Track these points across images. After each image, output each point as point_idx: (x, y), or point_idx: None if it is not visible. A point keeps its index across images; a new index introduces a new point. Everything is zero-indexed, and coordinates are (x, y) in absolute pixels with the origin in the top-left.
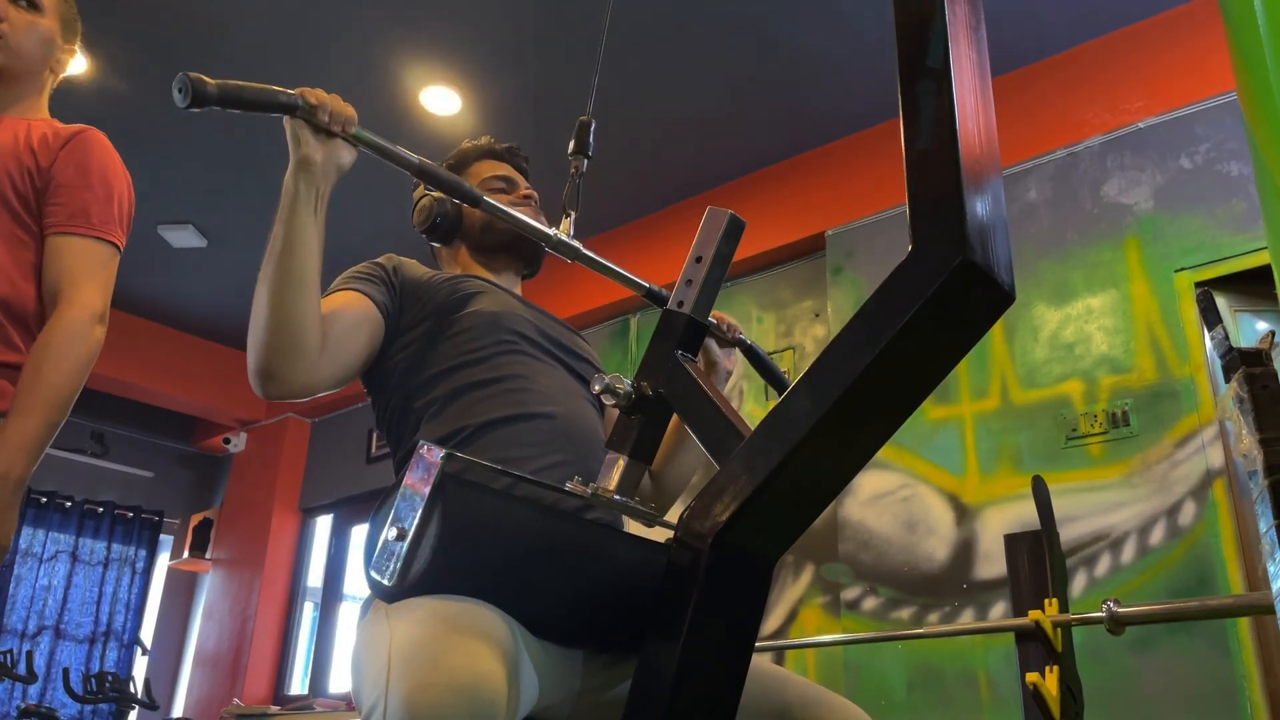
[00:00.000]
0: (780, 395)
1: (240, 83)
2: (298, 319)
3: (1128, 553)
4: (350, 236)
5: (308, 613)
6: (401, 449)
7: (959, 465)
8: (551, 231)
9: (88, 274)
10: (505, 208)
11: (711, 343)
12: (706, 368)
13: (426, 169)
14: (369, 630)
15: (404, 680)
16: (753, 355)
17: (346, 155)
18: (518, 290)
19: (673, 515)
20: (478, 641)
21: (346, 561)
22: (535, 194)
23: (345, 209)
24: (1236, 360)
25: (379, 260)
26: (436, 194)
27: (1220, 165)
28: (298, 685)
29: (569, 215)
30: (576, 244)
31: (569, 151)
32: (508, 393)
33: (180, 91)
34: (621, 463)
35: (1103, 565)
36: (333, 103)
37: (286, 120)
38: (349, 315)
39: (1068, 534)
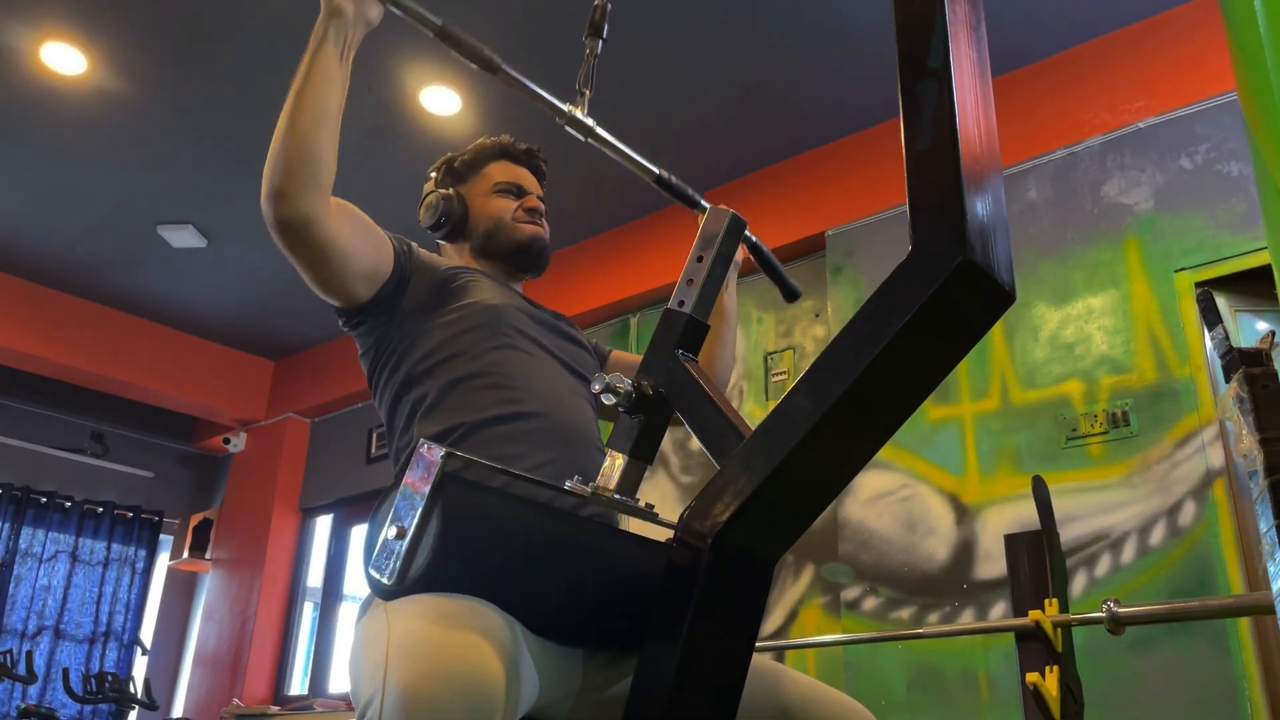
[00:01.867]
0: (786, 295)
1: None
2: (315, 148)
3: (1128, 553)
4: None
5: (308, 613)
6: (398, 440)
7: (959, 465)
8: (566, 108)
9: None
10: (523, 79)
11: None
12: None
13: (448, 31)
14: (367, 626)
15: (401, 673)
16: (758, 253)
17: (374, 9)
18: (519, 287)
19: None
20: (476, 636)
21: (346, 561)
22: (543, 205)
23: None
24: (1236, 360)
25: (400, 235)
26: (444, 191)
27: (1220, 165)
28: (298, 685)
29: (584, 95)
30: (590, 121)
31: (584, 35)
32: (502, 389)
33: None
34: (621, 462)
35: (1103, 565)
36: None
37: None
38: (366, 221)
39: (1068, 534)
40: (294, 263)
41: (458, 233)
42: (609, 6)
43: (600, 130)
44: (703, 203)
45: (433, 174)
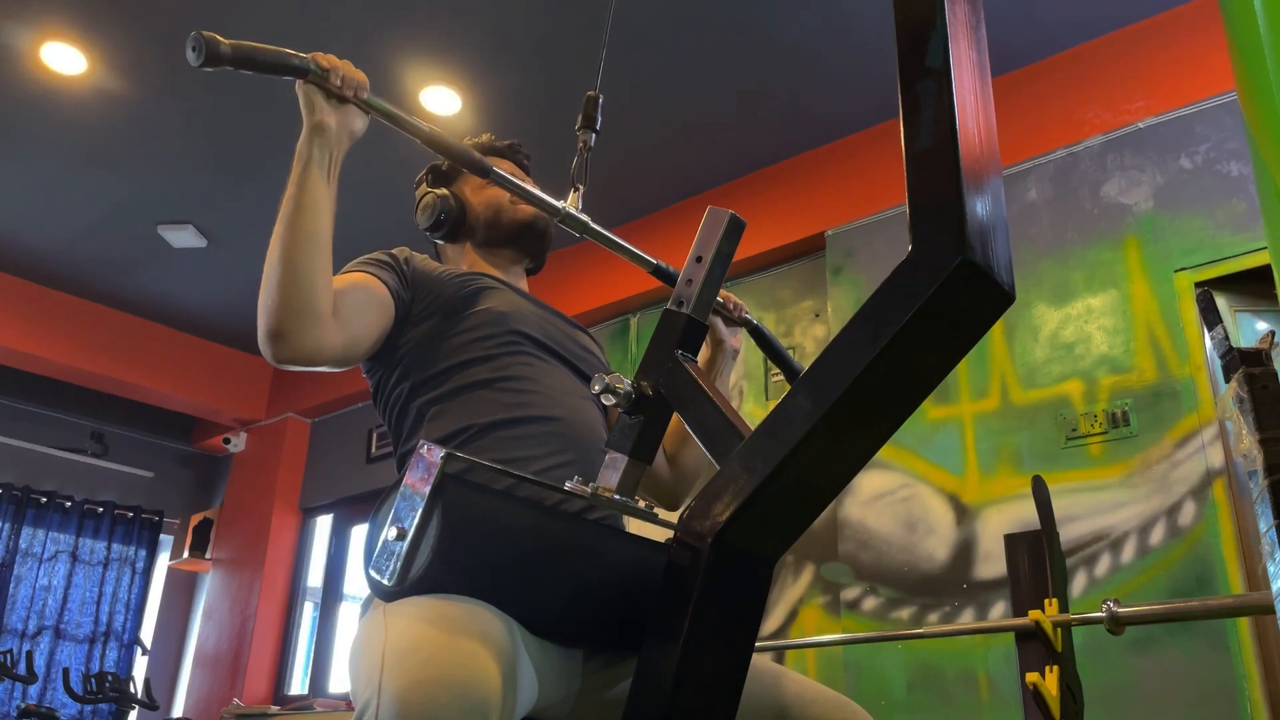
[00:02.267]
0: (789, 376)
1: (254, 44)
2: (310, 280)
3: (1128, 553)
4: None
5: (308, 613)
6: (403, 445)
7: (959, 465)
8: (560, 204)
9: None
10: (515, 180)
11: (718, 321)
12: (713, 346)
13: (436, 138)
14: (366, 628)
15: (397, 677)
16: (759, 336)
17: (359, 121)
18: (524, 285)
19: (673, 515)
20: (473, 641)
21: (346, 561)
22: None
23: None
24: (1236, 360)
25: (391, 250)
26: (439, 191)
27: (1220, 165)
28: (298, 685)
29: (577, 189)
30: (585, 218)
31: (576, 126)
32: (512, 393)
33: (194, 50)
34: (622, 462)
35: (1103, 565)
36: (345, 68)
37: (299, 85)
38: (361, 293)
39: (1068, 534)
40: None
41: (457, 230)
42: (601, 99)
43: (595, 226)
44: None
45: (421, 179)
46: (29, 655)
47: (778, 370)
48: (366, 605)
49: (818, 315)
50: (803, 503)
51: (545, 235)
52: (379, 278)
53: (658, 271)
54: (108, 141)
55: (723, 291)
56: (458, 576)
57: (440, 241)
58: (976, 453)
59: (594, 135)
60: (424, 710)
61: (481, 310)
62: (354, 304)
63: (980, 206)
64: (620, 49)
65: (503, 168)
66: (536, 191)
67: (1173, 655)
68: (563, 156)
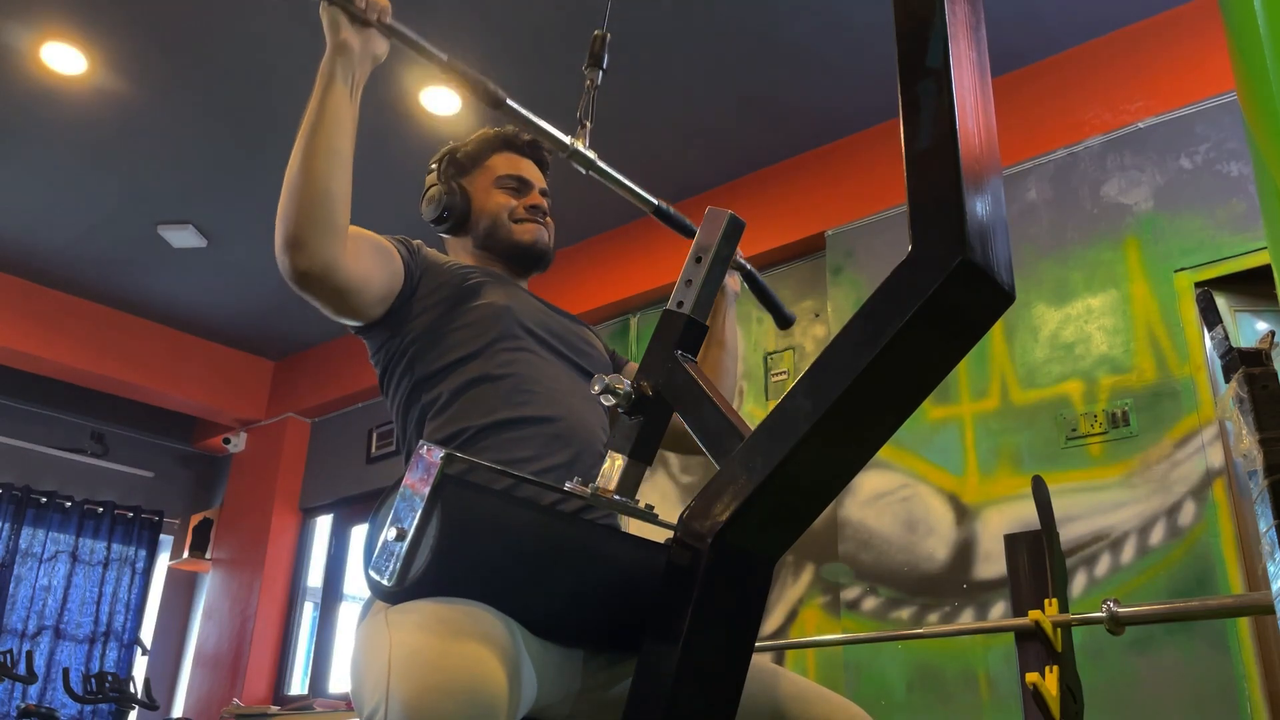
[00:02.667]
0: (780, 323)
1: None
2: (330, 192)
3: (1128, 553)
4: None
5: (308, 613)
6: (408, 442)
7: (959, 465)
8: (568, 140)
9: None
10: (525, 113)
11: None
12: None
13: (454, 66)
14: (368, 633)
15: (404, 684)
16: (753, 281)
17: (381, 45)
18: (525, 285)
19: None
20: (477, 644)
21: (346, 561)
22: (545, 202)
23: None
24: (1236, 360)
25: (400, 237)
26: (446, 185)
27: (1220, 165)
28: (298, 685)
29: (584, 127)
30: (591, 154)
31: (584, 65)
32: (513, 392)
33: None
34: (621, 463)
35: (1103, 565)
36: None
37: (323, 6)
38: (375, 244)
39: (1068, 534)
40: (310, 301)
41: (460, 227)
42: (609, 37)
43: (601, 163)
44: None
45: (434, 165)
46: (29, 655)
47: (778, 370)
48: (367, 607)
49: (818, 315)
50: (803, 503)
51: (542, 258)
52: (391, 243)
53: (659, 213)
54: (108, 141)
55: None
56: (457, 577)
57: (444, 235)
58: (976, 453)
59: (600, 74)
60: (432, 717)
61: (483, 304)
62: (369, 248)
63: (980, 206)
64: (620, 49)
65: (519, 168)
66: (545, 125)
67: (1173, 655)
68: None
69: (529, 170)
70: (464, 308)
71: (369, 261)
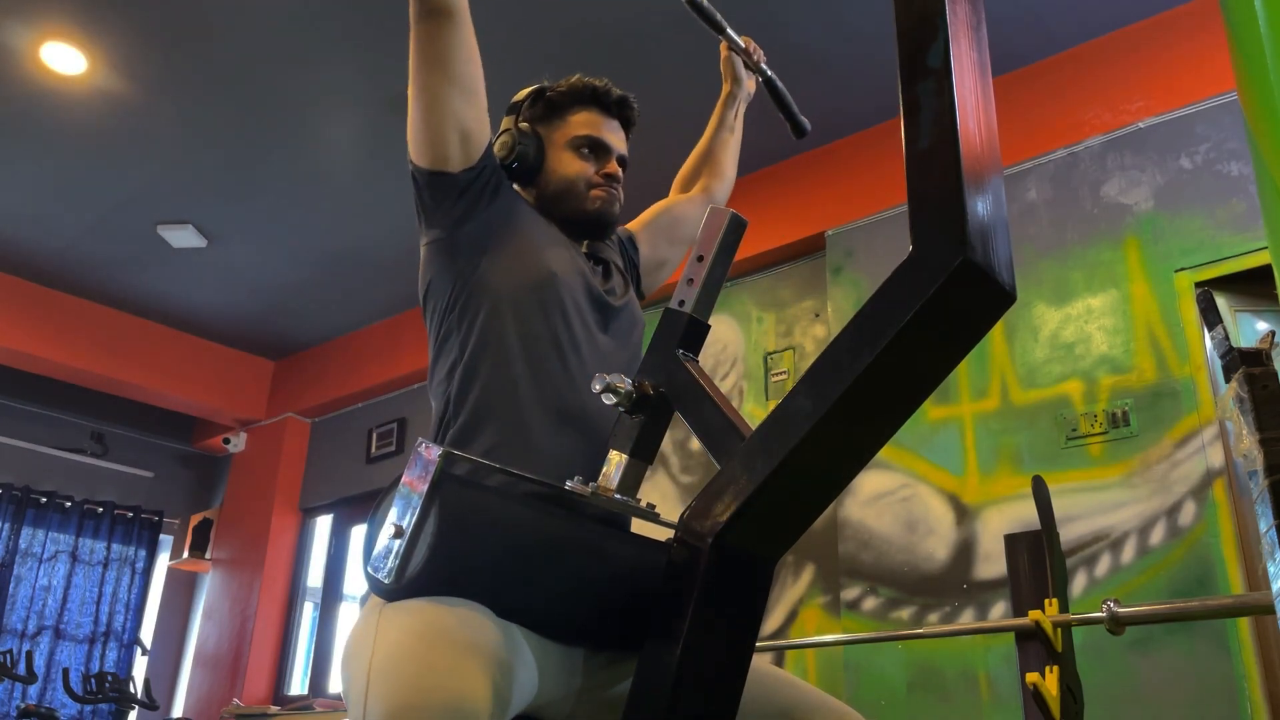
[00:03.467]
0: (795, 131)
1: None
2: None
3: (1128, 553)
4: (355, 237)
5: (308, 613)
6: (434, 385)
7: (959, 465)
8: None
9: None
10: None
11: (738, 61)
12: (732, 83)
13: None
14: (359, 630)
15: (381, 700)
16: (772, 87)
17: None
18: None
19: (673, 515)
20: (460, 654)
21: (346, 561)
22: (620, 173)
23: (349, 212)
24: (1236, 360)
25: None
26: (523, 125)
27: (1220, 165)
28: (297, 685)
29: None
30: None
31: None
32: (549, 379)
33: None
34: (622, 461)
35: (1103, 565)
36: None
37: None
38: (479, 87)
39: (1068, 534)
40: (414, 67)
41: (528, 178)
42: None
43: None
44: (728, 30)
45: (518, 102)
46: (29, 655)
47: (778, 370)
48: (364, 600)
49: (818, 315)
50: (803, 503)
51: (609, 228)
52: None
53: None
54: (108, 141)
55: (745, 37)
56: (455, 575)
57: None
58: (976, 453)
59: None
60: None
61: (537, 262)
62: (478, 68)
63: (980, 206)
64: (620, 48)
65: (599, 130)
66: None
67: (1173, 655)
68: None
69: (611, 132)
70: (519, 250)
71: (474, 67)
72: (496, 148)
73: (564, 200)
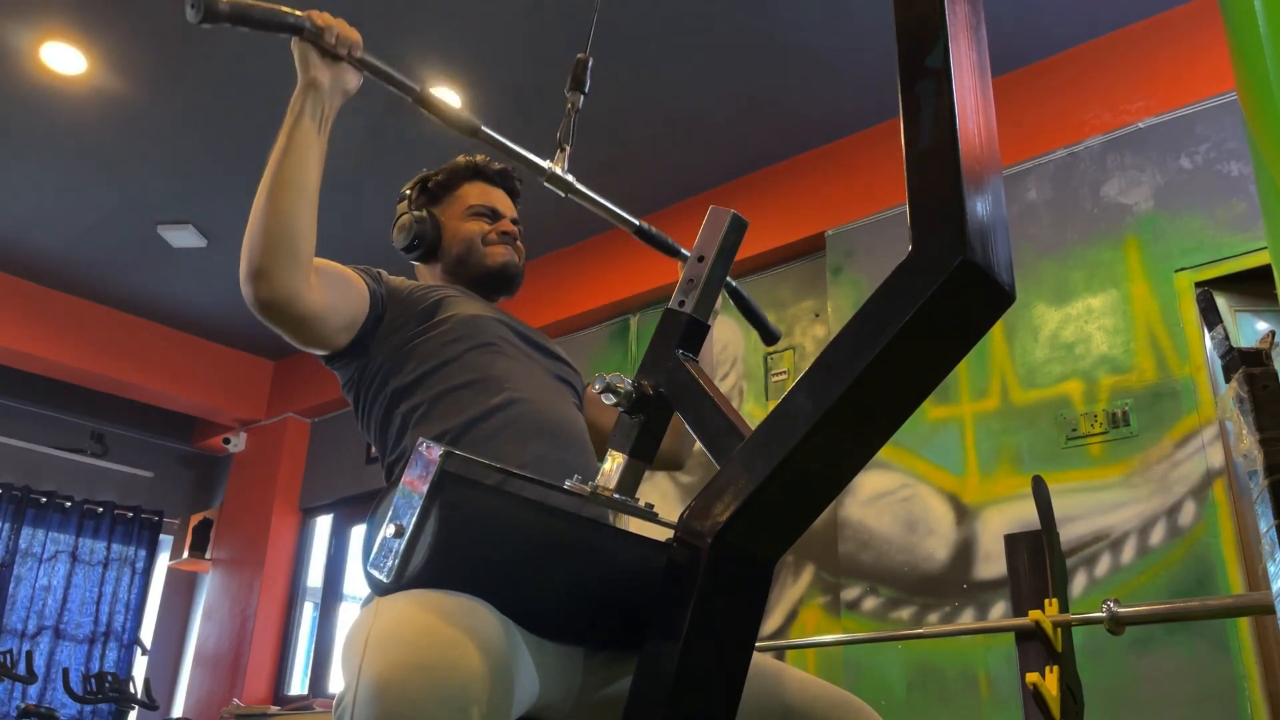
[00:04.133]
0: (766, 340)
1: (250, 1)
2: (294, 224)
3: (1128, 553)
4: (354, 237)
5: (308, 613)
6: (390, 454)
7: (959, 465)
8: (546, 165)
9: None
10: (502, 140)
11: None
12: None
13: (427, 98)
14: (357, 622)
15: (377, 660)
16: (737, 297)
17: (353, 79)
18: (495, 303)
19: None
20: (459, 630)
21: (346, 561)
22: (517, 229)
23: (349, 212)
24: (1236, 360)
25: (364, 266)
26: (418, 213)
27: (1220, 165)
28: (297, 685)
29: (564, 150)
30: (569, 178)
31: (566, 88)
32: (486, 386)
33: (193, 8)
34: (621, 461)
35: (1103, 565)
36: (339, 26)
37: (294, 42)
38: (340, 275)
39: (1068, 534)
40: (274, 329)
41: (431, 254)
42: (590, 62)
43: (580, 186)
44: (684, 252)
45: (408, 192)
46: (29, 655)
47: (778, 370)
48: (365, 603)
49: (818, 315)
50: (803, 503)
51: (513, 282)
52: (357, 272)
53: (641, 233)
54: (108, 141)
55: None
56: (456, 574)
57: (415, 262)
58: (976, 453)
59: (581, 97)
60: (399, 693)
61: (450, 316)
62: (334, 278)
63: (980, 206)
64: (620, 48)
65: (490, 197)
66: (521, 151)
67: (1173, 655)
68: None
69: (500, 200)
70: (433, 320)
71: (333, 291)
72: (396, 234)
73: (467, 260)
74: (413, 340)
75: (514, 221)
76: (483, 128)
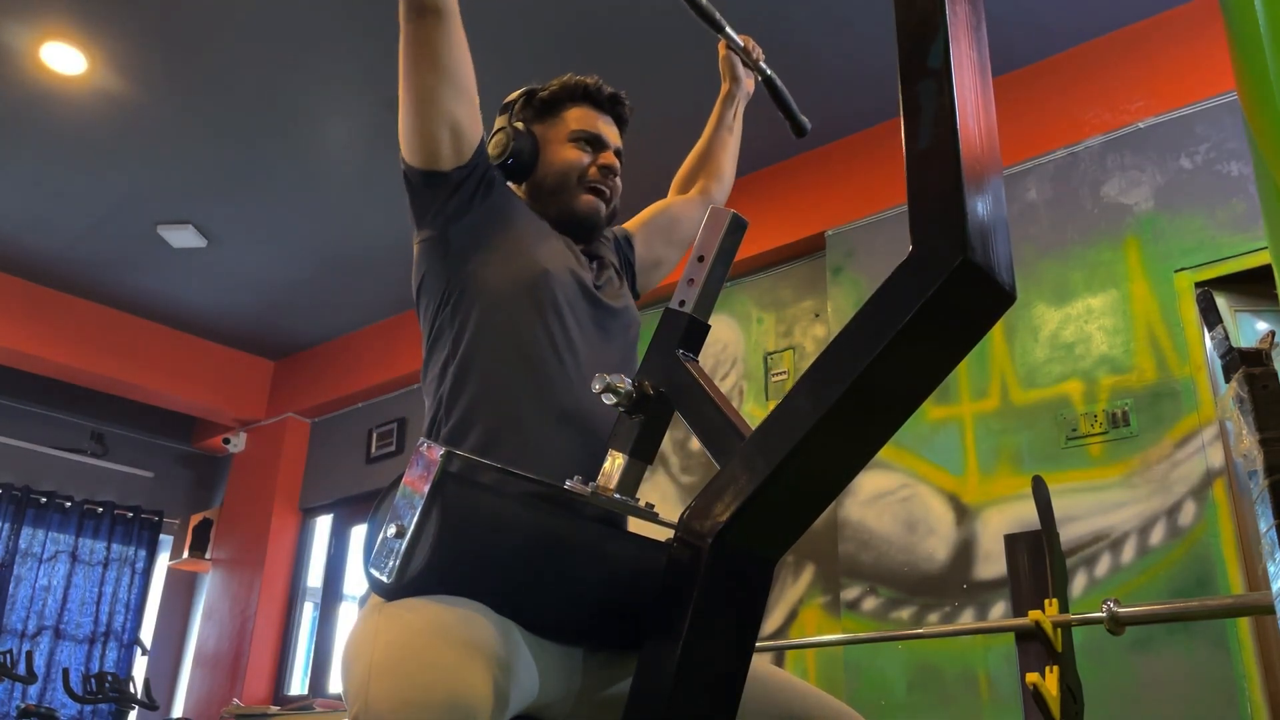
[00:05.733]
0: (795, 130)
1: None
2: None
3: (1128, 553)
4: (355, 237)
5: (308, 613)
6: (427, 382)
7: (959, 465)
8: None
9: None
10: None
11: (736, 60)
12: (731, 82)
13: None
14: (359, 630)
15: (382, 696)
16: (772, 86)
17: None
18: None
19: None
20: (460, 652)
21: (346, 561)
22: (618, 164)
23: (349, 212)
24: (1236, 360)
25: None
26: (518, 124)
27: (1220, 165)
28: (297, 685)
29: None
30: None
31: None
32: (543, 378)
33: None
34: (621, 461)
35: (1103, 565)
36: None
37: None
38: (471, 91)
39: (1068, 534)
40: (405, 67)
41: (524, 174)
42: None
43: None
44: (727, 28)
45: (511, 101)
46: (29, 655)
47: (778, 370)
48: (364, 600)
49: (818, 315)
50: (803, 503)
51: (595, 232)
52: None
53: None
54: (108, 141)
55: (743, 36)
56: (456, 574)
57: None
58: (976, 453)
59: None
60: None
61: (529, 258)
62: (469, 65)
63: (980, 206)
64: (619, 48)
65: (595, 124)
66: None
67: (1173, 655)
68: None
69: (605, 128)
70: (512, 246)
71: (465, 66)
72: (491, 146)
73: (559, 194)
74: (486, 258)
75: (618, 153)
76: (725, 29)
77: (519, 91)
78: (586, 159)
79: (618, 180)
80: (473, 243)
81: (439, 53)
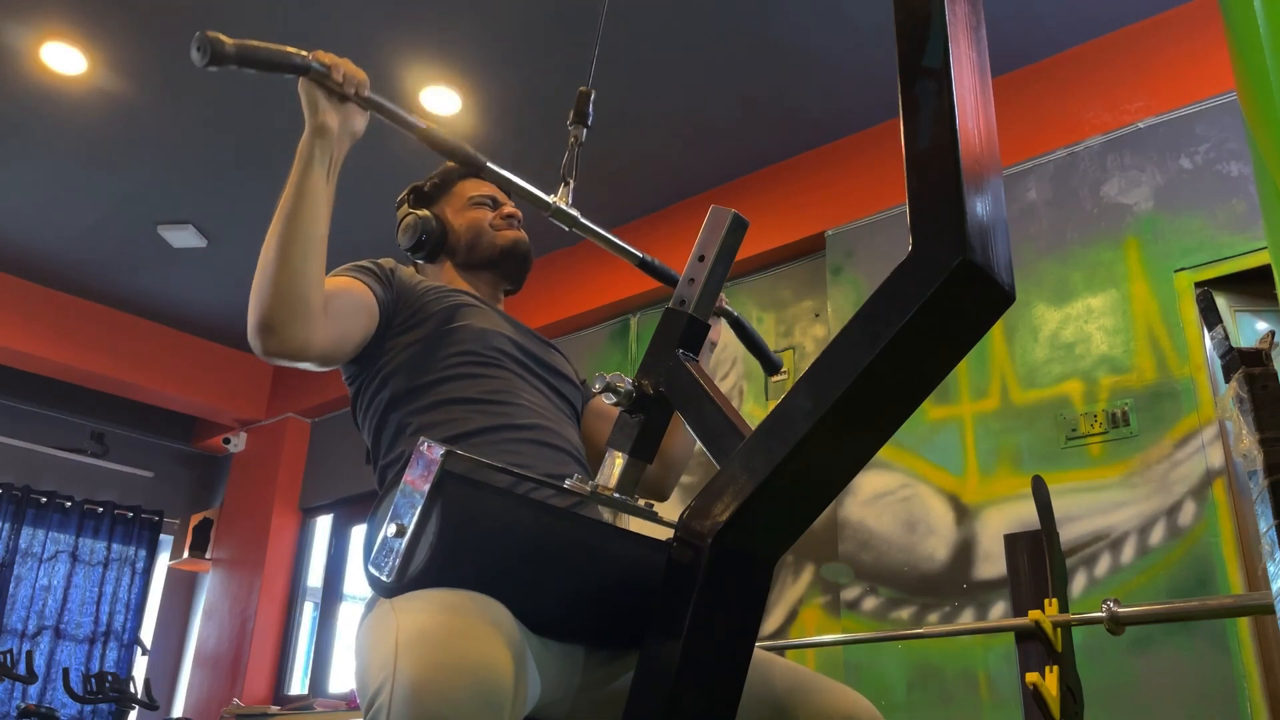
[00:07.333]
0: (767, 369)
1: (256, 43)
2: (303, 276)
3: (1128, 553)
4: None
5: (308, 613)
6: (384, 458)
7: (959, 465)
8: (550, 199)
9: None
10: (508, 174)
11: None
12: None
13: (433, 135)
14: (374, 622)
15: (411, 662)
16: (739, 327)
17: (360, 121)
18: (500, 306)
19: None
20: (486, 626)
21: (346, 561)
22: (519, 213)
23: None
24: (1236, 360)
25: (378, 260)
26: (420, 212)
27: (1220, 165)
28: (298, 685)
29: (567, 184)
30: (574, 212)
31: (568, 121)
32: (493, 406)
33: (200, 50)
34: (621, 461)
35: (1103, 565)
36: (345, 66)
37: (301, 83)
38: (347, 296)
39: (1068, 534)
40: None
41: (438, 251)
42: (593, 95)
43: (584, 220)
44: None
45: (403, 198)
46: (29, 655)
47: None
48: (370, 605)
49: (818, 315)
50: (803, 503)
51: (526, 259)
52: (365, 283)
53: (644, 265)
54: (108, 141)
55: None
56: (457, 573)
57: (421, 261)
58: (976, 453)
59: (585, 130)
60: (439, 695)
61: (462, 326)
62: (343, 305)
63: (980, 206)
64: (620, 49)
65: (485, 189)
66: (526, 185)
67: (1173, 655)
68: (565, 154)
69: (497, 192)
70: (444, 329)
71: (342, 323)
72: (401, 235)
73: (478, 245)
74: (419, 345)
75: (515, 208)
76: (489, 164)
77: (406, 190)
78: (490, 213)
79: (521, 226)
80: (404, 345)
81: (325, 362)
